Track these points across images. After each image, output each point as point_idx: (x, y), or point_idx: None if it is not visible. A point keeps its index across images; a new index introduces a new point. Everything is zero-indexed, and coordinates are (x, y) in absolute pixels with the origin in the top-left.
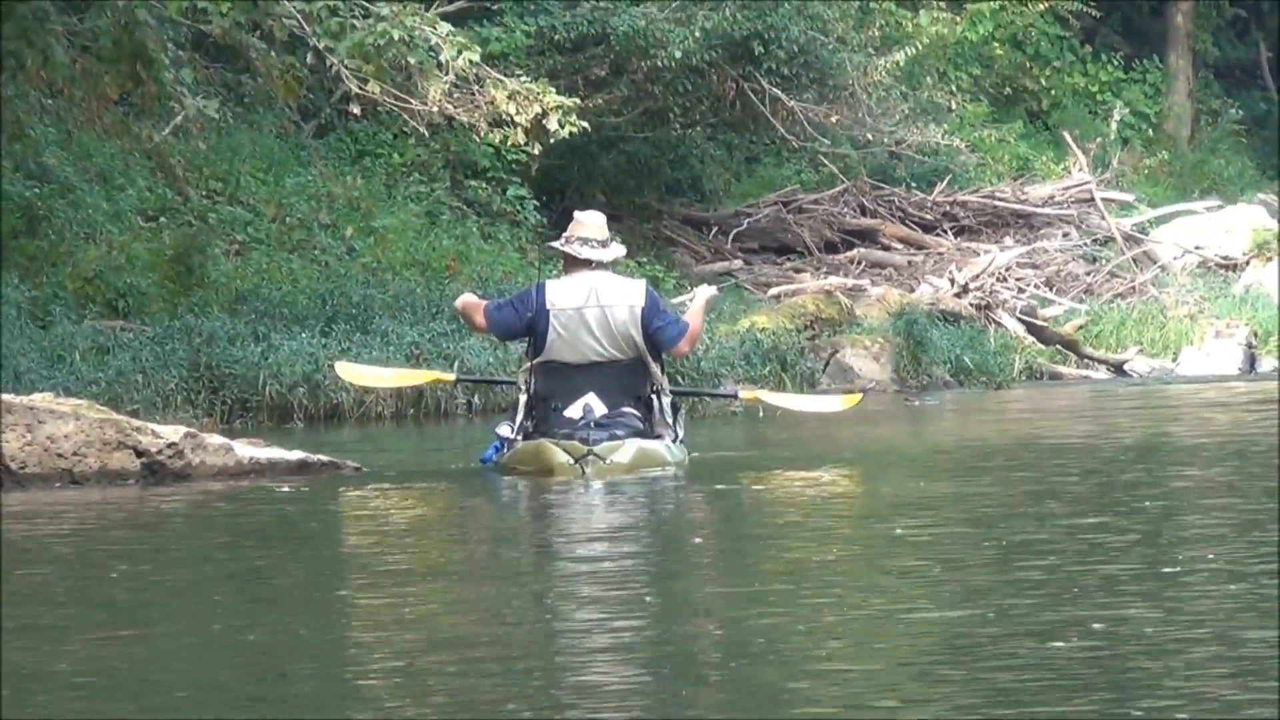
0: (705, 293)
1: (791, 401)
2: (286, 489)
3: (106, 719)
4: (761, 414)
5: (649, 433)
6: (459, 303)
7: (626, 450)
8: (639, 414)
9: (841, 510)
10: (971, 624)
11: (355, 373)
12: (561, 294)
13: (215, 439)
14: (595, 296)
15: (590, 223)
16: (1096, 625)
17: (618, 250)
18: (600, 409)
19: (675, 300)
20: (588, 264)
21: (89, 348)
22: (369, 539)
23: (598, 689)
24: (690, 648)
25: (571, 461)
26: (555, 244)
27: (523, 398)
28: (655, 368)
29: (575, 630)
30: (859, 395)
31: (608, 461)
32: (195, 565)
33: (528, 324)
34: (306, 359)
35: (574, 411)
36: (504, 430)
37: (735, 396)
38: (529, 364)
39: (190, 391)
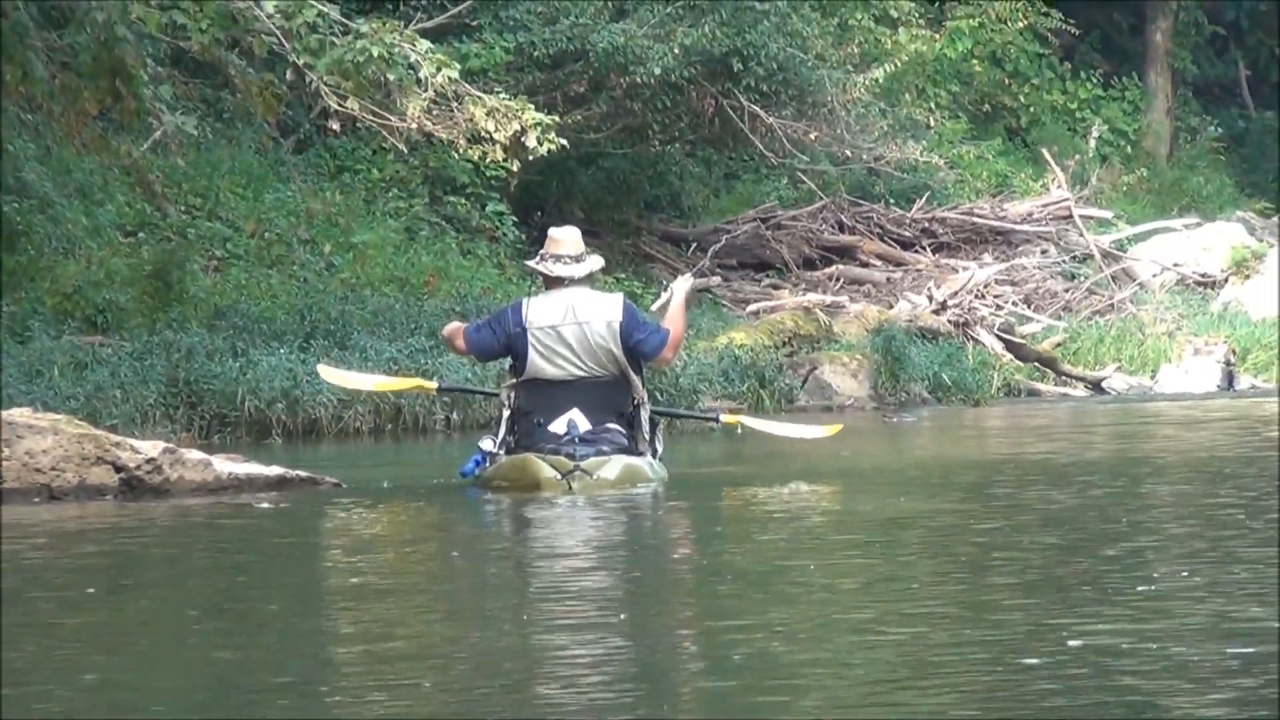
0: (683, 285)
1: (773, 428)
2: (266, 505)
3: None
4: (740, 431)
5: (633, 449)
6: (445, 331)
7: (613, 466)
8: (623, 430)
9: (819, 527)
10: (943, 639)
11: (338, 376)
12: (539, 312)
13: (194, 454)
14: (573, 313)
15: (563, 239)
16: (1072, 642)
17: (593, 264)
18: (584, 425)
19: (653, 305)
20: (561, 281)
21: (67, 363)
22: (347, 555)
23: (575, 704)
24: (666, 662)
25: (558, 476)
26: (530, 263)
27: (505, 412)
28: (637, 381)
29: (552, 646)
30: (840, 426)
31: (594, 477)
32: (172, 581)
33: (505, 344)
34: (285, 375)
35: (558, 427)
36: (486, 444)
37: (717, 420)
38: (512, 380)
39: (169, 407)
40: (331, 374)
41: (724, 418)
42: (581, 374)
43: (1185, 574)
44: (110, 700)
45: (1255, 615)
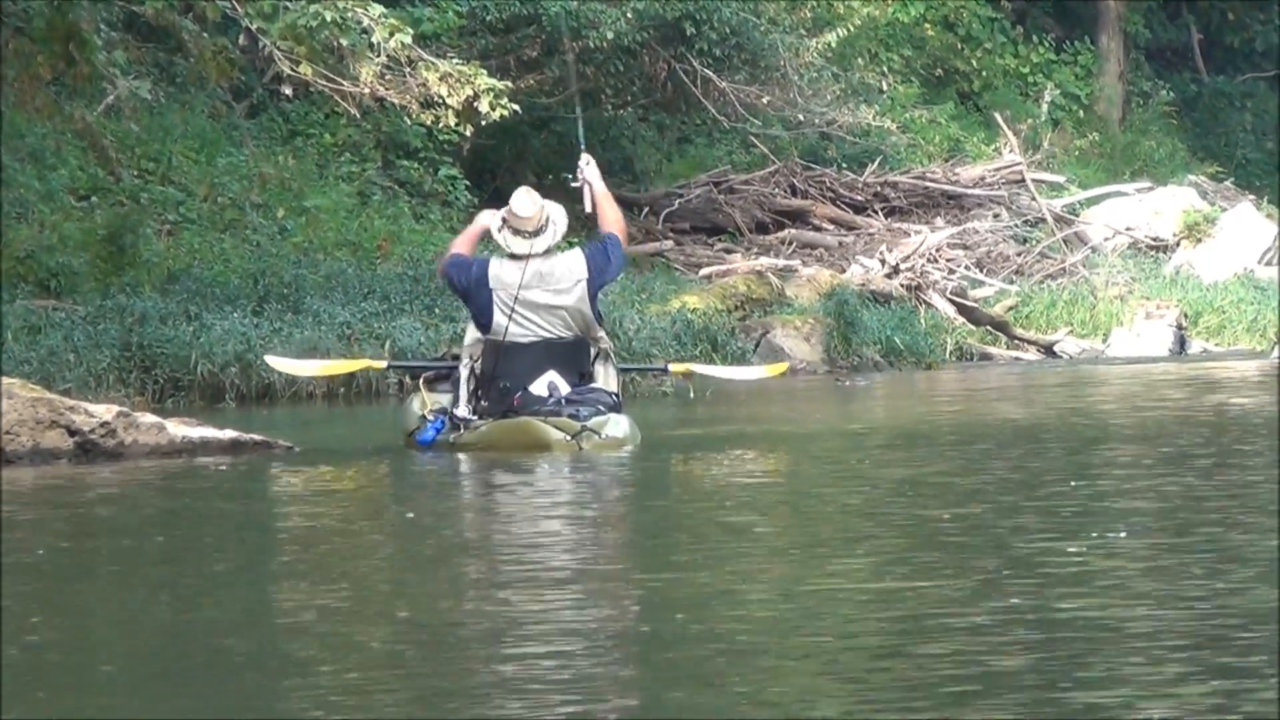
0: (593, 173)
1: (720, 371)
2: (224, 466)
3: (27, 696)
4: (692, 394)
5: (619, 408)
6: (458, 239)
7: (618, 425)
8: (607, 390)
9: (770, 489)
10: (890, 601)
11: (286, 365)
12: (505, 274)
13: (148, 418)
14: (539, 279)
15: (523, 214)
16: (1015, 600)
17: (555, 233)
18: (564, 387)
19: (585, 210)
20: (525, 257)
21: (21, 327)
22: (300, 518)
23: (529, 669)
24: (618, 626)
25: (567, 438)
26: (494, 232)
27: (465, 373)
28: (603, 334)
29: (506, 610)
30: (785, 365)
31: (603, 436)
32: (123, 542)
33: (464, 290)
34: (238, 339)
35: (539, 389)
36: (462, 410)
37: (665, 370)
38: (476, 338)
39: (122, 371)
40: (280, 363)
41: (672, 367)
42: (549, 336)
43: (1123, 535)
44: (58, 661)
45: (1195, 575)
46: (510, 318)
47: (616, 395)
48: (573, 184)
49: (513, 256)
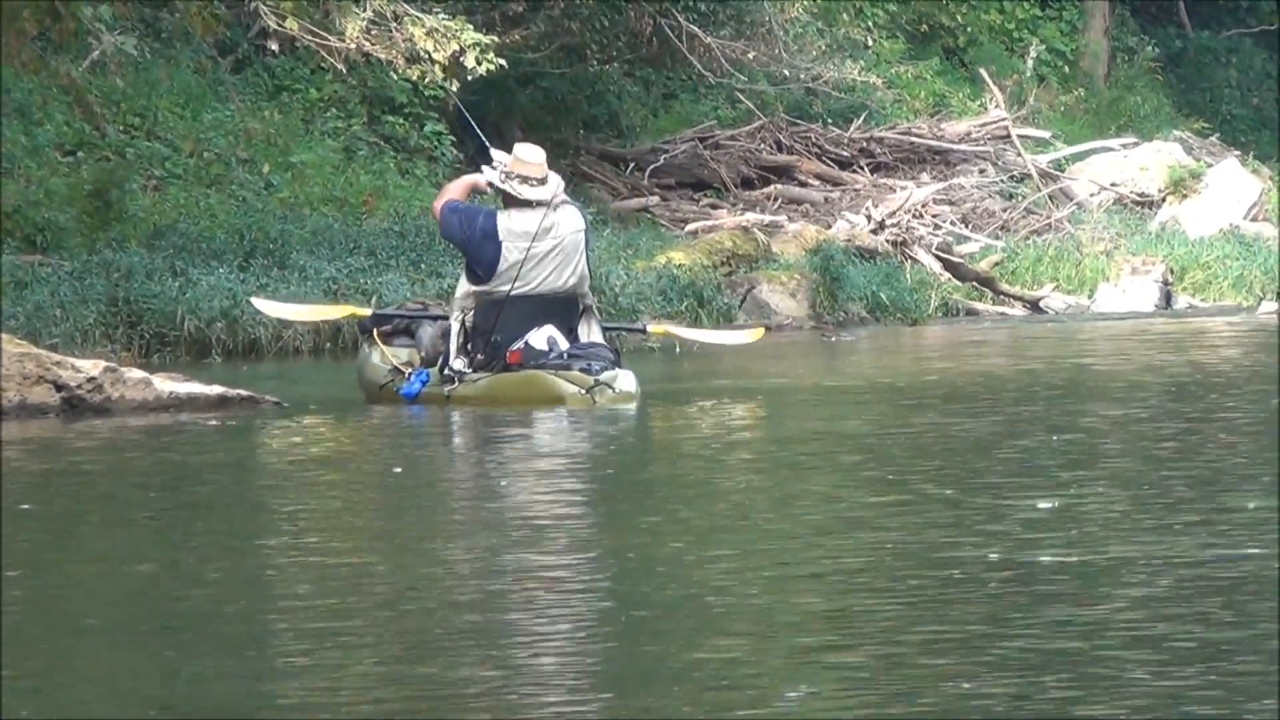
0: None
1: (701, 335)
2: (214, 422)
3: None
4: (678, 350)
5: (619, 363)
6: (450, 185)
7: (628, 379)
8: (606, 344)
9: (753, 443)
10: (863, 553)
11: (272, 307)
12: (515, 225)
13: (135, 373)
14: (546, 232)
15: (531, 161)
16: (993, 556)
17: (556, 185)
18: (563, 341)
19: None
20: (530, 204)
21: (7, 282)
22: (287, 473)
23: (508, 626)
24: (597, 581)
25: (582, 392)
26: (495, 180)
27: (455, 326)
28: (588, 291)
29: (491, 567)
30: (763, 329)
31: (616, 390)
32: (114, 497)
33: (466, 239)
34: (225, 294)
35: (538, 343)
36: (459, 364)
37: (644, 330)
38: (469, 291)
39: (108, 326)
40: (265, 305)
41: (651, 327)
42: (546, 291)
43: (1100, 490)
44: (42, 614)
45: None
46: (517, 269)
47: (615, 350)
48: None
49: (525, 204)
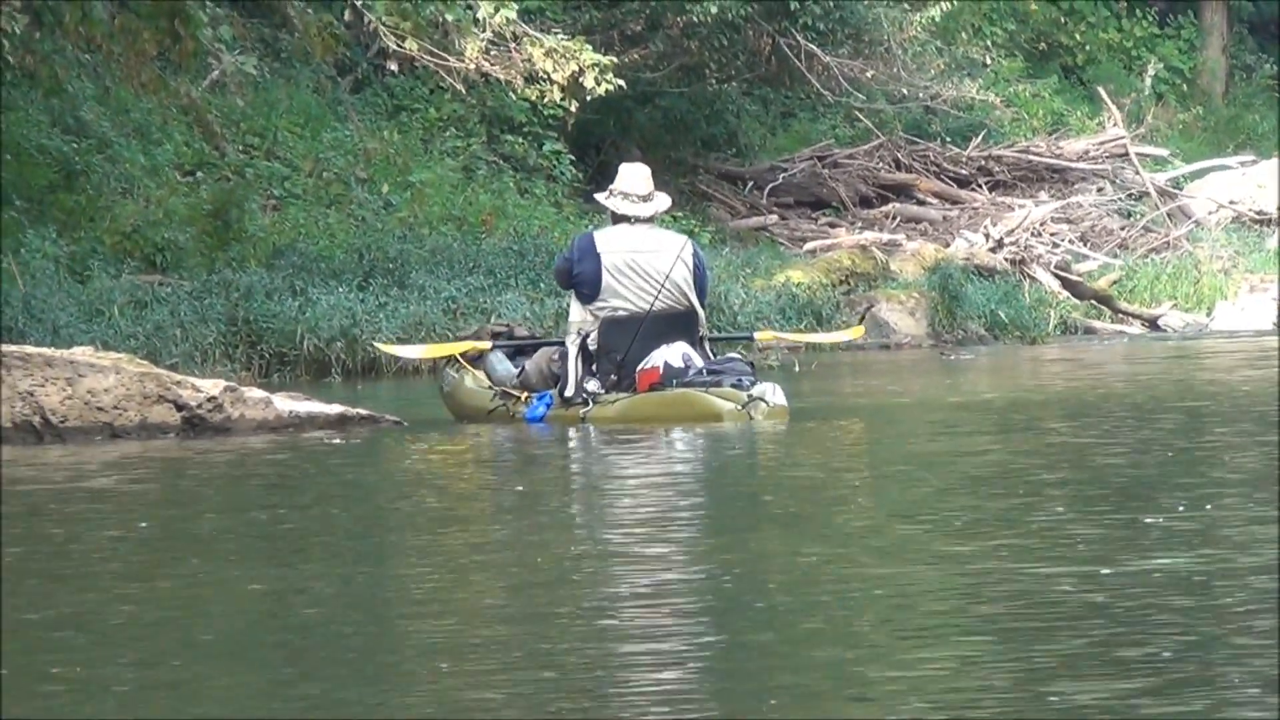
0: None
1: (805, 337)
2: (339, 440)
3: (127, 664)
4: (798, 368)
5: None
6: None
7: (779, 393)
8: (739, 358)
9: (874, 460)
10: (974, 572)
11: (394, 350)
12: (612, 242)
13: (255, 393)
14: (647, 245)
15: (635, 177)
16: (1105, 571)
17: (661, 204)
18: (697, 358)
19: None
20: (629, 219)
21: (127, 302)
22: (411, 493)
23: (644, 642)
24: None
25: (738, 408)
26: (599, 196)
27: (573, 350)
28: (702, 313)
29: (622, 580)
30: (861, 328)
31: (771, 405)
32: (235, 516)
33: (570, 269)
34: (344, 314)
35: (674, 359)
36: (591, 385)
37: (750, 338)
38: (585, 315)
39: (228, 346)
40: (388, 349)
41: (757, 335)
42: (662, 305)
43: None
44: (155, 628)
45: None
46: (620, 283)
47: (751, 365)
48: None
49: (616, 218)
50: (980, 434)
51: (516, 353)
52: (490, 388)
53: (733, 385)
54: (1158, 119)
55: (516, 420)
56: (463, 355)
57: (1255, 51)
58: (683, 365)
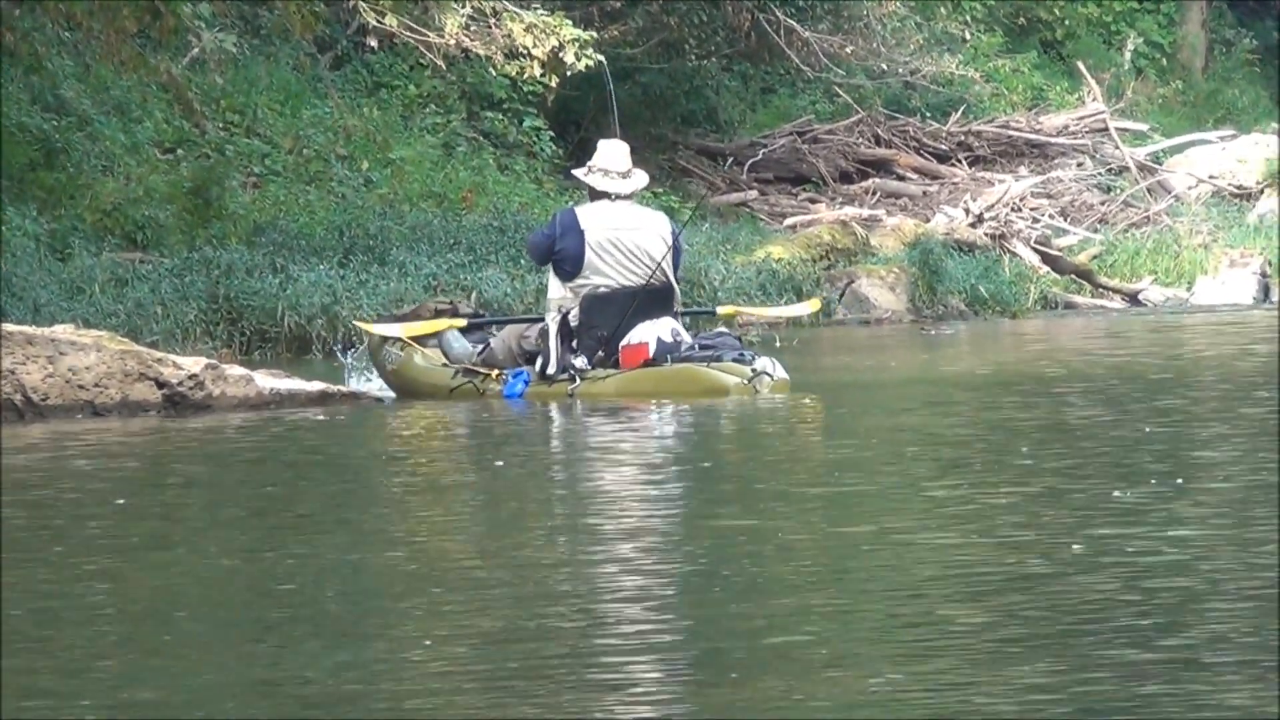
0: None
1: (765, 311)
2: (321, 416)
3: (116, 640)
4: (779, 343)
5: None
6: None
7: (779, 366)
8: (729, 332)
9: (855, 435)
10: (955, 545)
11: (373, 328)
12: (594, 219)
13: (236, 370)
14: (629, 222)
15: (614, 154)
16: (1076, 547)
17: (639, 180)
18: (685, 334)
19: None
20: (609, 196)
21: (108, 280)
22: (391, 468)
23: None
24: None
25: (744, 382)
26: (578, 172)
27: (554, 327)
28: (678, 290)
29: (590, 555)
30: (819, 301)
31: (775, 379)
32: (219, 493)
33: (551, 245)
34: (325, 291)
35: (663, 335)
36: (580, 361)
37: (713, 313)
38: (561, 294)
39: (209, 323)
40: (367, 326)
41: (719, 310)
42: (641, 282)
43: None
44: (135, 604)
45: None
46: (603, 260)
47: (739, 339)
48: None
49: (595, 194)
50: (965, 406)
51: (469, 330)
52: (446, 365)
53: (734, 359)
54: (1137, 93)
55: (486, 398)
56: (410, 334)
57: (1235, 26)
58: (673, 340)
